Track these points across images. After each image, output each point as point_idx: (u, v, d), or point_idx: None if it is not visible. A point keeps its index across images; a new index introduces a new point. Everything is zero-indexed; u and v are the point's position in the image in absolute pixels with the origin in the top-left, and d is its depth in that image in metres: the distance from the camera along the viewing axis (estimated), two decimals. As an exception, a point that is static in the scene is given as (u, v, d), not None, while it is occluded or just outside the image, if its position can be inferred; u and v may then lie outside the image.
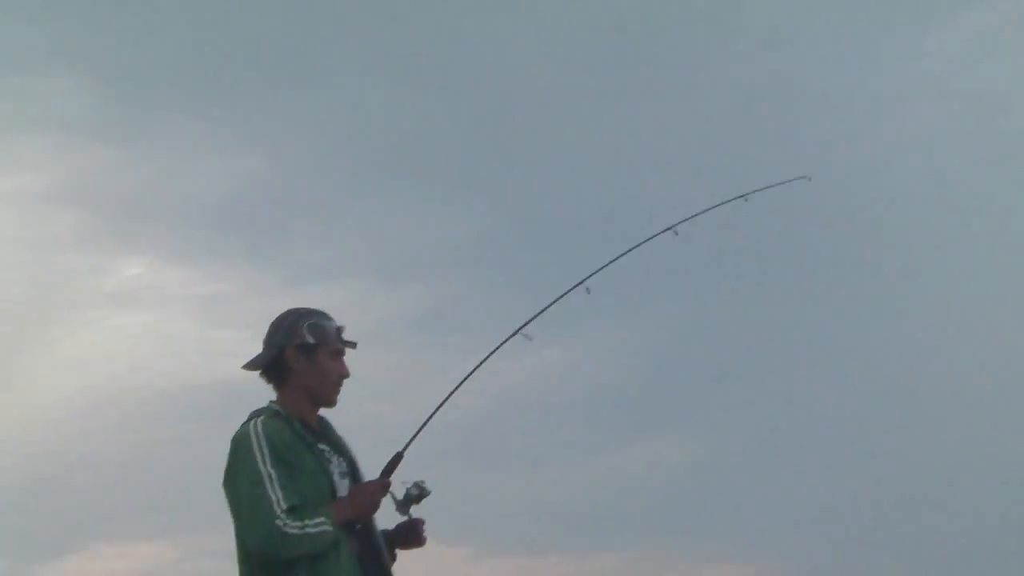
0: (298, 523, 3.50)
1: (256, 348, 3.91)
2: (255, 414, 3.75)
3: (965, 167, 14.04)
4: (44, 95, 13.81)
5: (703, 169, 13.26)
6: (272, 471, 3.55)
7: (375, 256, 14.91)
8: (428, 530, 3.96)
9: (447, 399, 4.03)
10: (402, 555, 3.99)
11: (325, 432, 3.89)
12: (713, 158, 13.47)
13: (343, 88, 14.59)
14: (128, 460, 13.55)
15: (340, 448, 3.88)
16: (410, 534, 3.96)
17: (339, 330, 3.85)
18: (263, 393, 3.89)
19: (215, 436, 3.96)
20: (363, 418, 4.02)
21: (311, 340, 3.79)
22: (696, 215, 4.64)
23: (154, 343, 14.25)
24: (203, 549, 3.79)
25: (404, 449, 3.92)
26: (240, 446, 3.63)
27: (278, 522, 3.48)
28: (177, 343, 13.84)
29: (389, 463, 3.90)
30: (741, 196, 4.91)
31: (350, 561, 3.64)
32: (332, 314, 3.89)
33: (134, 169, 14.37)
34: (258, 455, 3.57)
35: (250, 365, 3.85)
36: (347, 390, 3.89)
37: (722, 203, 4.79)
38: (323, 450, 3.76)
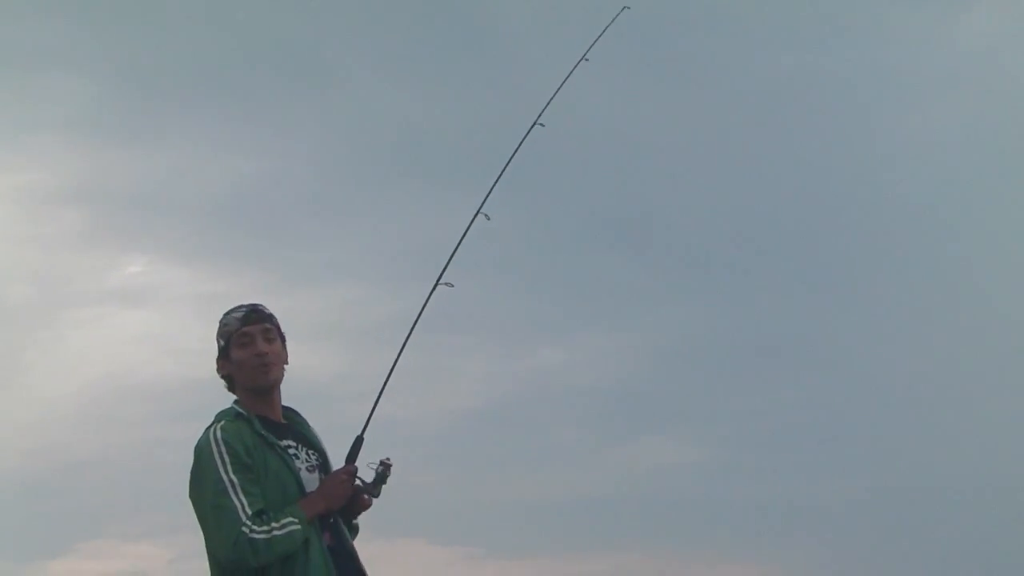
0: (264, 528, 3.49)
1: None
2: (217, 417, 3.74)
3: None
4: (51, 93, 13.79)
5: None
6: (235, 477, 3.53)
7: (376, 256, 14.92)
8: (424, 532, 3.95)
9: (392, 371, 4.03)
10: (399, 555, 3.98)
11: (293, 426, 3.88)
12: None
13: (347, 89, 14.56)
14: (127, 458, 13.57)
15: (309, 441, 3.87)
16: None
17: (244, 317, 3.83)
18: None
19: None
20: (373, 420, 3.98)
21: (221, 343, 3.84)
22: (551, 98, 4.62)
23: (155, 341, 14.28)
24: (197, 549, 3.79)
25: (363, 432, 3.92)
26: (202, 455, 3.60)
27: (244, 529, 3.46)
28: (177, 341, 13.86)
29: (351, 449, 3.89)
30: (582, 58, 4.86)
31: (320, 557, 3.62)
32: (332, 314, 3.89)
33: (138, 168, 14.34)
34: (219, 463, 3.55)
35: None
36: (348, 389, 3.87)
37: (567, 75, 4.76)
38: (288, 446, 3.75)
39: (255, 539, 3.47)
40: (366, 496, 3.83)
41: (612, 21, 5.13)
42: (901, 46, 14.60)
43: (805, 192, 14.40)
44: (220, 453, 3.57)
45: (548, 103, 4.58)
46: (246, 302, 3.90)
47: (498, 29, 14.06)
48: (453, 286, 4.14)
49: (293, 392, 3.98)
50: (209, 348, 3.92)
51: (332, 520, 3.75)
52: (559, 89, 4.66)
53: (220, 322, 3.86)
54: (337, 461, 3.92)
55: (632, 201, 14.20)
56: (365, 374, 12.29)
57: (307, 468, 3.76)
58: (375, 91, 14.53)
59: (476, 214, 4.27)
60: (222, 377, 3.87)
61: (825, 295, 14.31)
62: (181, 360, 13.22)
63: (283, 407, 3.90)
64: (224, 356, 3.83)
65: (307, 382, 3.94)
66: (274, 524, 3.51)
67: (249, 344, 3.79)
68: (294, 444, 3.79)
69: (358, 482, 3.82)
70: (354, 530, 3.91)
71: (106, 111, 13.99)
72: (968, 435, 13.38)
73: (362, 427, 3.93)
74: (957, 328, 13.75)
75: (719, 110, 14.05)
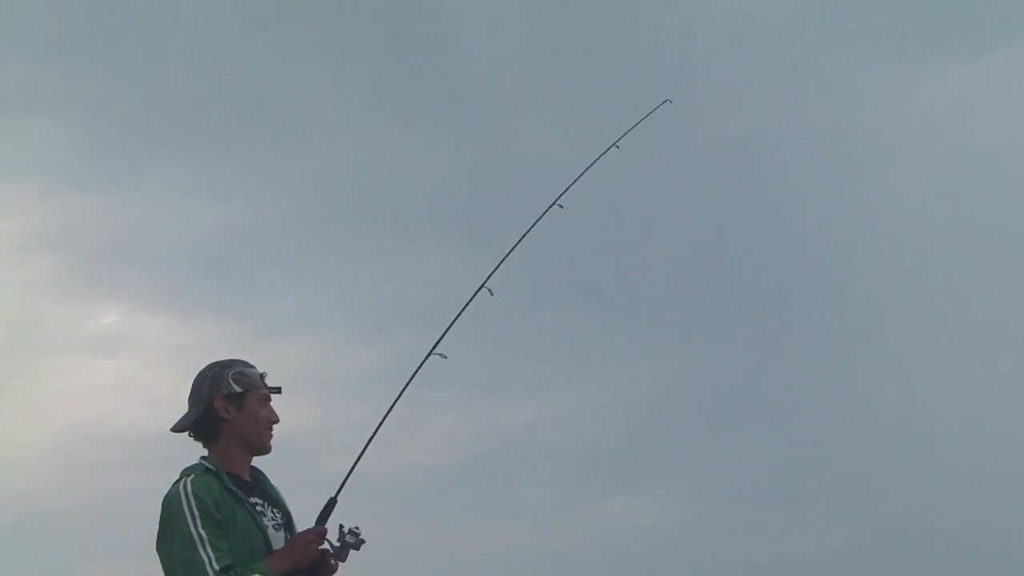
0: None
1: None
2: (185, 472, 3.69)
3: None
4: (24, 138, 13.82)
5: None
6: (203, 532, 3.50)
7: (349, 308, 14.91)
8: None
9: (373, 436, 3.98)
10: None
11: (259, 484, 3.85)
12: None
13: (320, 140, 14.66)
14: (98, 508, 13.43)
15: (274, 500, 3.84)
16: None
17: (263, 376, 3.84)
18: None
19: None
20: (335, 472, 3.98)
21: (238, 389, 3.76)
22: (575, 181, 4.55)
23: (127, 391, 14.20)
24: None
25: (337, 494, 3.88)
26: (171, 508, 3.57)
27: None
28: (150, 392, 13.78)
29: (323, 510, 3.85)
30: (613, 145, 4.80)
31: None
32: (303, 366, 3.88)
33: (113, 216, 14.37)
34: (188, 516, 3.52)
35: (179, 425, 3.81)
36: (317, 442, 3.86)
37: (595, 159, 4.70)
38: (256, 503, 3.73)
39: None
40: (333, 561, 3.78)
41: (651, 112, 5.05)
42: (873, 105, 14.83)
43: (776, 250, 14.52)
44: (190, 507, 3.54)
45: (570, 186, 4.52)
46: (224, 357, 3.86)
47: (478, 90, 14.20)
48: (446, 357, 4.09)
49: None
50: (181, 399, 3.84)
51: None
52: (584, 172, 4.61)
53: (232, 368, 3.79)
54: (302, 519, 3.88)
55: (604, 260, 14.27)
56: (337, 428, 12.26)
57: (273, 526, 3.73)
58: (350, 141, 14.63)
59: (480, 288, 4.22)
60: (209, 417, 3.75)
61: (796, 352, 14.37)
62: (154, 410, 13.11)
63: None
64: (234, 402, 3.76)
65: (277, 435, 3.94)
66: None
67: (267, 406, 3.82)
68: (261, 502, 3.76)
69: (326, 545, 3.76)
70: None
71: (79, 157, 14.04)
72: (946, 486, 13.42)
73: (336, 489, 3.88)
74: (930, 383, 13.82)
75: (690, 168, 14.18)
